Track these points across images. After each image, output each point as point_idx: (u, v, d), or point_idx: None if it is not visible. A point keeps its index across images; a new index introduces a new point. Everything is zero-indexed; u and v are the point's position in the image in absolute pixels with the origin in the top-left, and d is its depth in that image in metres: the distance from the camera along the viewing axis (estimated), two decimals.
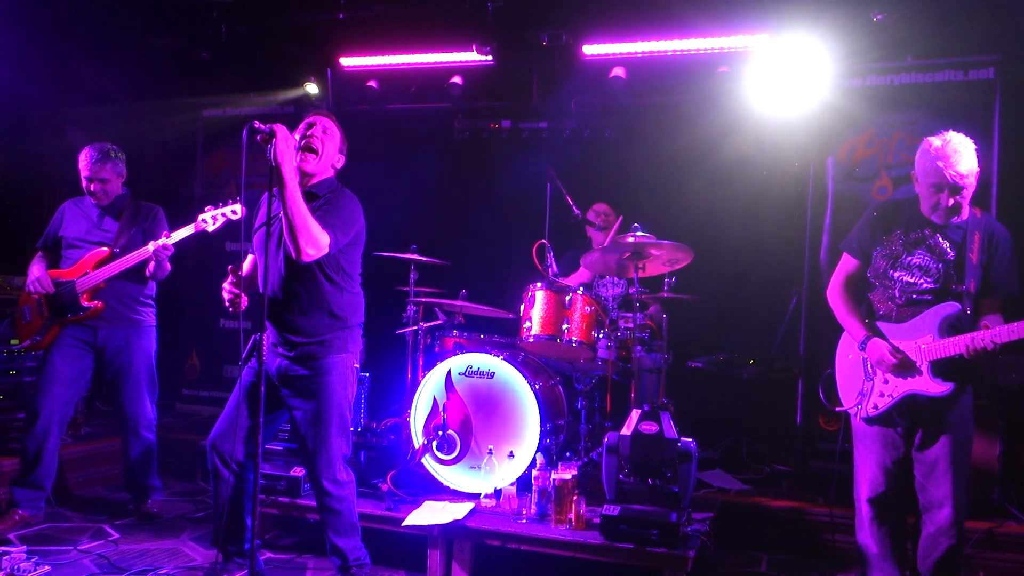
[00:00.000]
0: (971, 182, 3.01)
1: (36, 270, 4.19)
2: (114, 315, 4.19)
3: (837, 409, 3.27)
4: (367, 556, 3.42)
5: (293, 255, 3.01)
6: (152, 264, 4.12)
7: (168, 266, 4.20)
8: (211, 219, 4.07)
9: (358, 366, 3.40)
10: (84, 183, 4.24)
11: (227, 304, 3.10)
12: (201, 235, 4.16)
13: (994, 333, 2.84)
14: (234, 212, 4.06)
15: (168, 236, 4.09)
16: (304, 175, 3.24)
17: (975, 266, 3.01)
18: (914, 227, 3.13)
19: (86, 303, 4.11)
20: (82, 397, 5.16)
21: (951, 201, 3.01)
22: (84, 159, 4.24)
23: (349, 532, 3.35)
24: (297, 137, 3.20)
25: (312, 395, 3.23)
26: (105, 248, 4.16)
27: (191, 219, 4.12)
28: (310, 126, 3.29)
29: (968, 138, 3.05)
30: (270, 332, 3.29)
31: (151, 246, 4.06)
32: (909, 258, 3.10)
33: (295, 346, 3.24)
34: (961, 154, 2.97)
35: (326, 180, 3.32)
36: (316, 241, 3.02)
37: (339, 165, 3.40)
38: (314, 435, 3.23)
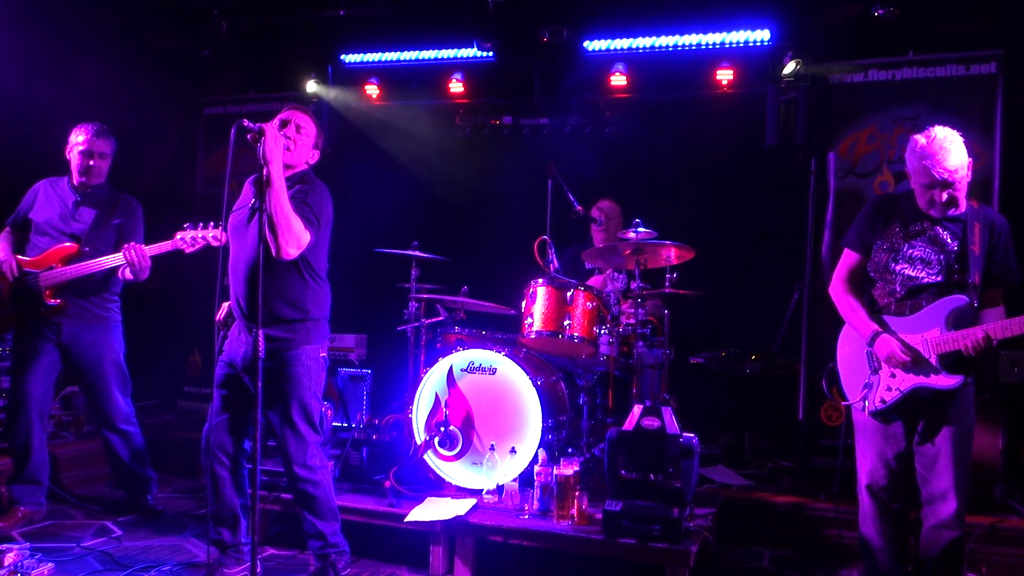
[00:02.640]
0: (962, 175, 2.99)
1: (1, 251, 4.04)
2: (79, 312, 4.06)
3: (842, 404, 3.25)
4: (347, 546, 3.45)
5: (274, 252, 3.04)
6: (127, 270, 3.94)
7: (146, 273, 4.00)
8: (190, 240, 3.85)
9: (325, 355, 3.43)
10: (80, 159, 4.09)
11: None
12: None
13: (989, 328, 2.86)
14: (216, 239, 3.83)
15: (142, 247, 3.91)
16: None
17: (978, 257, 2.98)
18: (913, 220, 3.10)
19: (48, 300, 3.97)
20: (83, 394, 5.18)
21: (944, 196, 2.99)
22: (82, 132, 4.12)
23: (328, 516, 3.40)
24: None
25: (277, 385, 3.27)
26: (74, 244, 4.02)
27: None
28: (284, 124, 3.30)
29: (955, 131, 3.02)
30: (238, 320, 3.36)
31: (124, 255, 3.87)
32: (910, 250, 3.07)
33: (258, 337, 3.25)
34: (948, 150, 2.94)
35: (298, 173, 3.34)
36: (298, 239, 3.08)
37: (313, 160, 3.43)
38: (281, 423, 3.30)
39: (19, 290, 4.00)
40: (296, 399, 3.29)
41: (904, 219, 3.12)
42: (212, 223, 3.87)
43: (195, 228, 3.87)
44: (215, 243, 3.83)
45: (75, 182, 4.17)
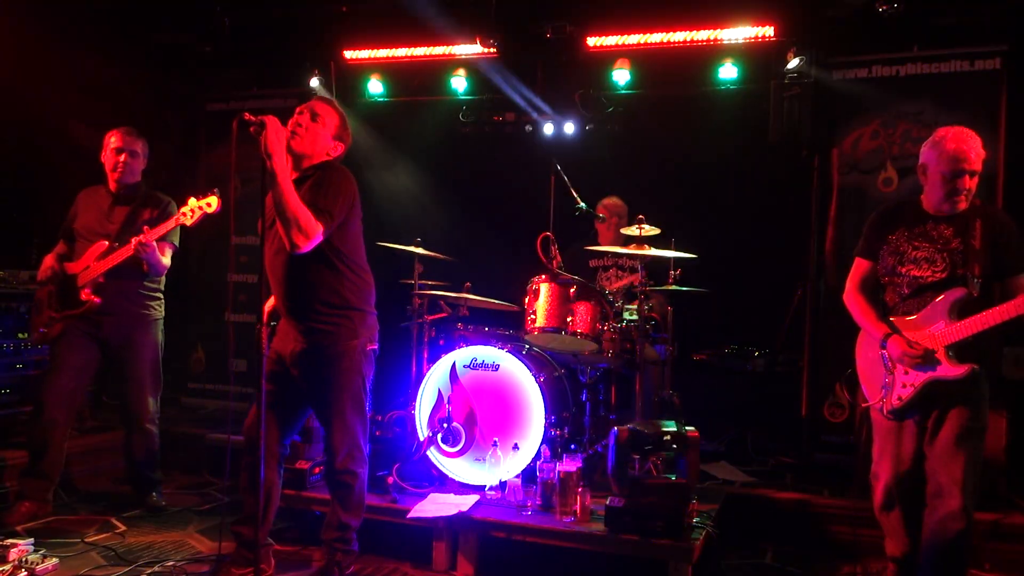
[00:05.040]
0: (982, 168, 3.10)
1: (47, 258, 4.19)
2: (119, 309, 4.16)
3: (863, 405, 3.37)
4: (357, 546, 3.43)
5: (287, 247, 3.02)
6: (143, 262, 4.06)
7: (161, 261, 4.13)
8: (189, 212, 4.00)
9: (375, 347, 3.38)
10: (112, 156, 4.18)
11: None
12: (202, 223, 4.08)
13: (988, 313, 2.94)
14: (208, 204, 3.98)
15: (146, 234, 4.03)
16: (297, 158, 3.20)
17: (978, 251, 3.05)
18: (916, 223, 3.20)
19: (84, 297, 4.06)
20: (88, 389, 5.20)
21: (968, 185, 3.07)
22: (115, 133, 4.22)
23: (355, 511, 3.38)
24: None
25: (324, 380, 3.26)
26: (105, 241, 4.12)
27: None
28: (300, 112, 3.26)
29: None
30: (283, 317, 3.34)
31: (132, 242, 4.01)
32: (914, 252, 3.16)
33: (304, 333, 3.25)
34: (977, 139, 3.09)
35: (318, 164, 3.26)
36: (307, 232, 2.99)
37: (335, 153, 3.33)
38: (328, 416, 3.29)
39: (61, 293, 4.12)
40: (344, 392, 3.26)
41: (907, 223, 3.21)
42: (210, 191, 4.01)
43: (195, 199, 4.02)
44: (208, 208, 3.98)
45: (111, 186, 4.25)
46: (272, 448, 3.37)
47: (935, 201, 3.15)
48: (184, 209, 4.03)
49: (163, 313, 4.40)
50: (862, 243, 3.37)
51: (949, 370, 3.03)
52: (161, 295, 4.38)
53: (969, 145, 3.05)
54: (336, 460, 3.31)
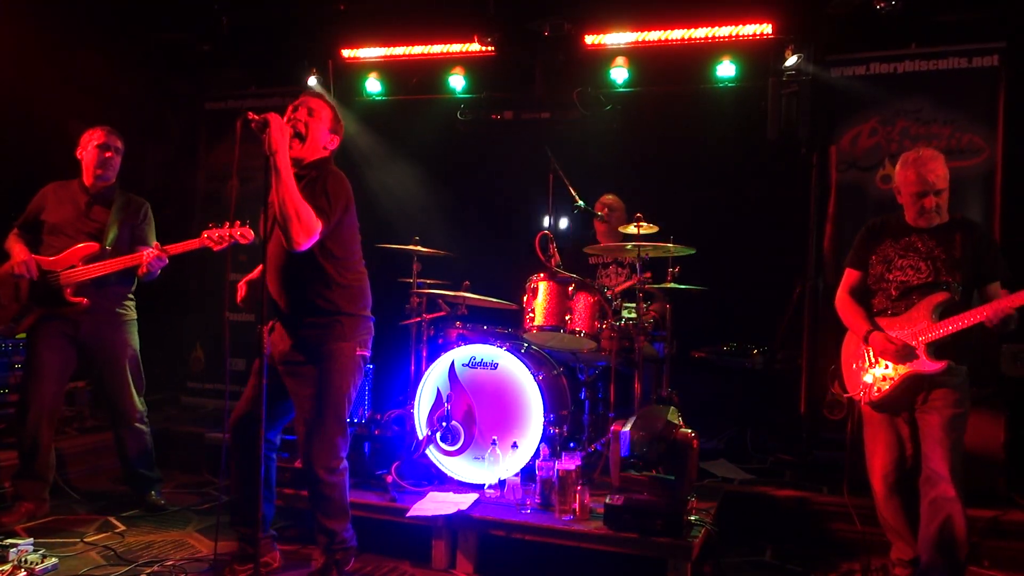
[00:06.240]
0: (946, 186, 3.36)
1: (20, 251, 4.03)
2: (98, 309, 4.10)
3: (846, 396, 3.55)
4: (355, 540, 3.40)
5: (286, 245, 3.00)
6: (143, 269, 4.03)
7: (158, 271, 4.10)
8: (217, 238, 3.87)
9: (365, 354, 3.33)
10: (96, 152, 4.14)
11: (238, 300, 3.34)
12: (203, 222, 4.06)
13: (965, 315, 3.17)
14: (243, 236, 3.82)
15: (165, 248, 4.02)
16: (296, 157, 3.19)
17: (958, 260, 3.31)
18: (901, 235, 3.45)
19: (70, 298, 4.01)
20: (87, 389, 5.21)
21: (934, 203, 3.32)
22: (96, 130, 4.19)
23: (339, 516, 3.32)
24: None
25: (309, 381, 3.21)
26: (95, 243, 4.07)
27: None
28: (295, 109, 3.24)
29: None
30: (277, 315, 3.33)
31: (145, 255, 3.99)
32: (901, 260, 3.41)
33: (294, 332, 3.24)
34: (937, 160, 3.35)
35: (315, 161, 3.25)
36: (309, 229, 2.99)
37: (332, 146, 3.32)
38: (309, 421, 3.21)
39: (39, 289, 4.04)
40: (327, 397, 3.20)
41: (893, 236, 3.47)
42: (239, 221, 3.86)
43: (221, 227, 3.89)
44: (242, 240, 3.83)
45: (87, 182, 4.21)
46: (257, 439, 3.33)
47: (912, 216, 3.42)
48: (211, 235, 3.90)
49: (136, 315, 4.34)
50: (852, 255, 3.59)
51: (927, 365, 3.26)
52: (134, 296, 4.33)
53: (929, 168, 3.31)
54: (313, 466, 3.22)
